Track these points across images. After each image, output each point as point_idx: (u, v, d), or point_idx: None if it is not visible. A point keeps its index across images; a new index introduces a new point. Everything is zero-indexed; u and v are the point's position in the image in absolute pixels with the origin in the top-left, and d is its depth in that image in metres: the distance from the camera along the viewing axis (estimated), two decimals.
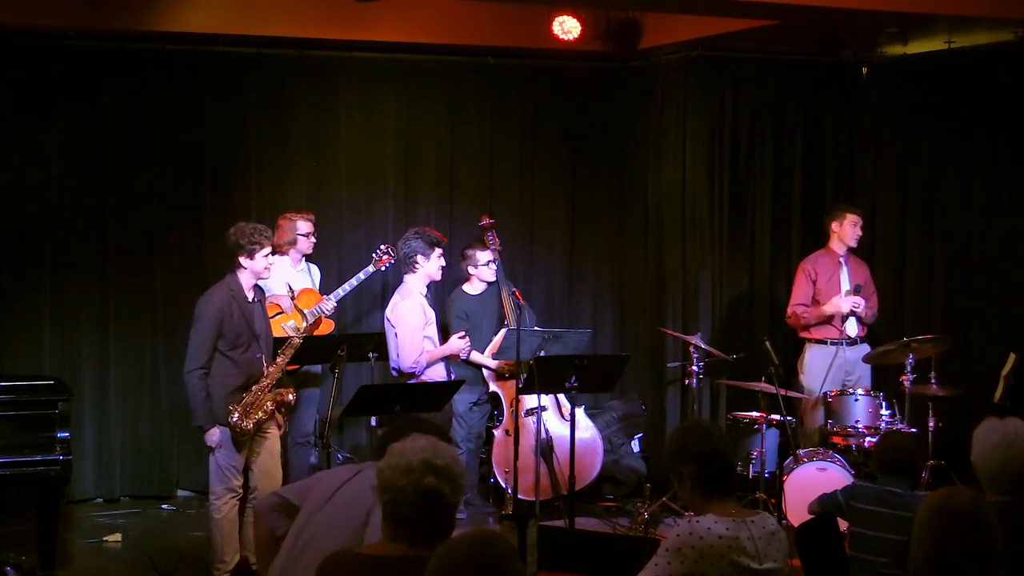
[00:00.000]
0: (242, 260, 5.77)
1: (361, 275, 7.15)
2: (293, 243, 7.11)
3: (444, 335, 7.22)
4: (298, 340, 5.94)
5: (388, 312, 6.99)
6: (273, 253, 5.94)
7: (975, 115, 8.01)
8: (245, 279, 5.81)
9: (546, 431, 7.00)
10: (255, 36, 7.69)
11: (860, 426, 6.87)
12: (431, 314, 7.06)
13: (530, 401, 6.93)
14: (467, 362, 7.25)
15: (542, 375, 6.20)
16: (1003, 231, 7.92)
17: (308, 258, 7.31)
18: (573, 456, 6.40)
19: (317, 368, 7.11)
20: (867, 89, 8.39)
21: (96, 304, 7.76)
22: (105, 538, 6.80)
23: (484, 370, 7.33)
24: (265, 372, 5.79)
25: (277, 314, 6.66)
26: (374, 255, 7.24)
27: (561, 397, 7.21)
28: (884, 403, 6.88)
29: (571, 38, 7.61)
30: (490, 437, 7.47)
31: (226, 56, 7.82)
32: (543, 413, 6.87)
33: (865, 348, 7.37)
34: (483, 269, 7.43)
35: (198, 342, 5.70)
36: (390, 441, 3.15)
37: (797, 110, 8.37)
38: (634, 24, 7.76)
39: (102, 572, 6.36)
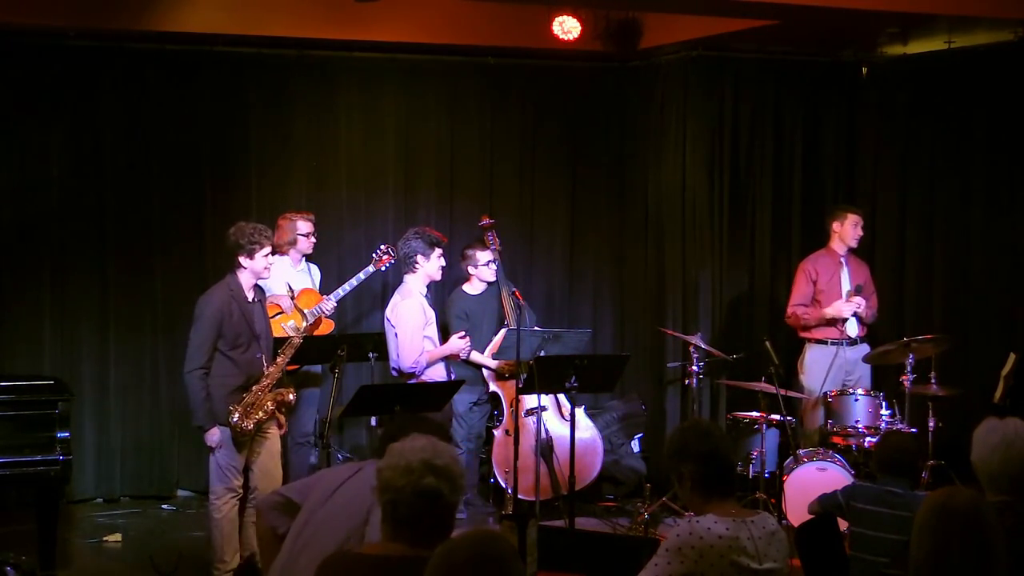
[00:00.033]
0: (242, 260, 5.77)
1: (361, 275, 7.15)
2: (293, 243, 7.11)
3: (444, 335, 7.22)
4: (298, 340, 5.94)
5: (388, 312, 6.99)
6: (273, 253, 5.94)
7: (975, 115, 8.01)
8: (245, 279, 5.80)
9: (546, 431, 6.99)
10: (255, 36, 7.69)
11: (860, 426, 6.87)
12: (431, 314, 7.06)
13: (530, 401, 6.93)
14: (467, 362, 7.25)
15: (542, 375, 6.20)
16: (1003, 231, 7.92)
17: (308, 258, 7.31)
18: (573, 456, 6.40)
19: (317, 368, 7.11)
20: (867, 89, 8.39)
21: (96, 304, 7.76)
22: (105, 538, 6.80)
23: (484, 370, 7.33)
24: (265, 372, 5.79)
25: (277, 314, 6.66)
26: (374, 255, 7.24)
27: (561, 397, 7.21)
28: (884, 403, 6.88)
29: (571, 38, 7.61)
30: (490, 437, 7.47)
31: (226, 56, 7.82)
32: (543, 413, 6.87)
33: (865, 348, 7.37)
34: (483, 269, 7.43)
35: (198, 342, 5.70)
36: (392, 438, 3.15)
37: (797, 110, 8.37)
38: (634, 24, 7.75)
39: (102, 572, 6.36)
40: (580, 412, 7.13)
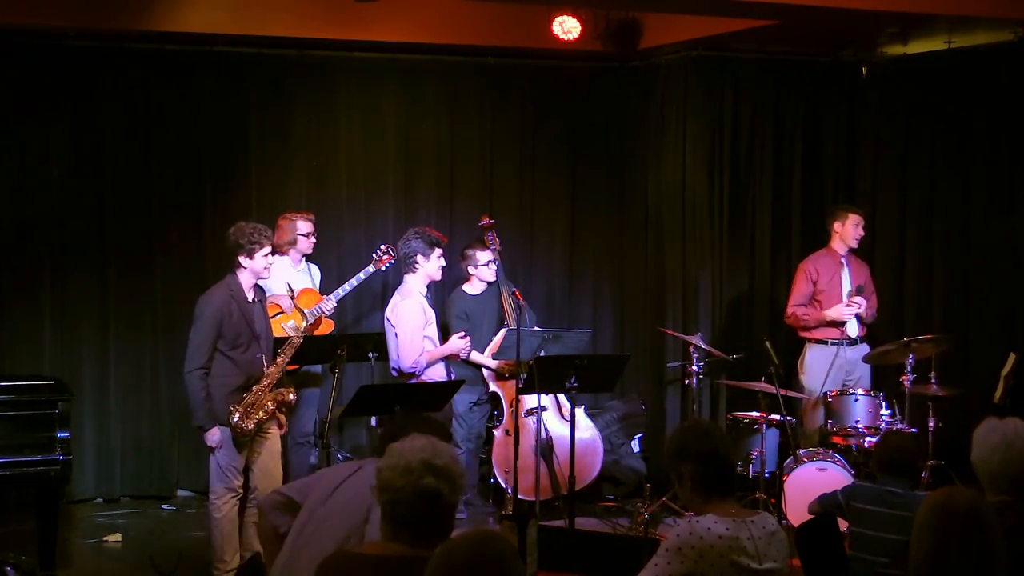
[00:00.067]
0: (242, 260, 5.77)
1: (361, 275, 7.15)
2: (293, 243, 7.11)
3: (444, 335, 7.22)
4: (298, 340, 5.94)
5: (388, 312, 6.99)
6: (273, 253, 5.94)
7: (975, 115, 8.01)
8: (245, 279, 5.80)
9: (546, 431, 6.99)
10: (255, 36, 7.69)
11: (860, 426, 6.87)
12: (431, 314, 7.06)
13: (530, 401, 6.93)
14: (467, 362, 7.25)
15: (542, 375, 6.20)
16: (1003, 231, 7.92)
17: (308, 258, 7.31)
18: (573, 456, 6.40)
19: (317, 368, 7.11)
20: (867, 89, 8.39)
21: (96, 304, 7.76)
22: (105, 538, 6.80)
23: (484, 370, 7.33)
24: (265, 372, 5.79)
25: (277, 314, 6.66)
26: (374, 255, 7.24)
27: (561, 397, 7.21)
28: (884, 403, 6.88)
29: (571, 38, 7.61)
30: (490, 437, 7.47)
31: (226, 56, 7.82)
32: (543, 413, 6.87)
33: (865, 348, 7.37)
34: (483, 269, 7.43)
35: (198, 342, 5.70)
36: (392, 438, 3.16)
37: (797, 110, 8.37)
38: (634, 24, 7.75)
39: (102, 572, 6.36)
40: (580, 412, 7.13)
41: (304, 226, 7.14)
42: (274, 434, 5.89)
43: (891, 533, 4.50)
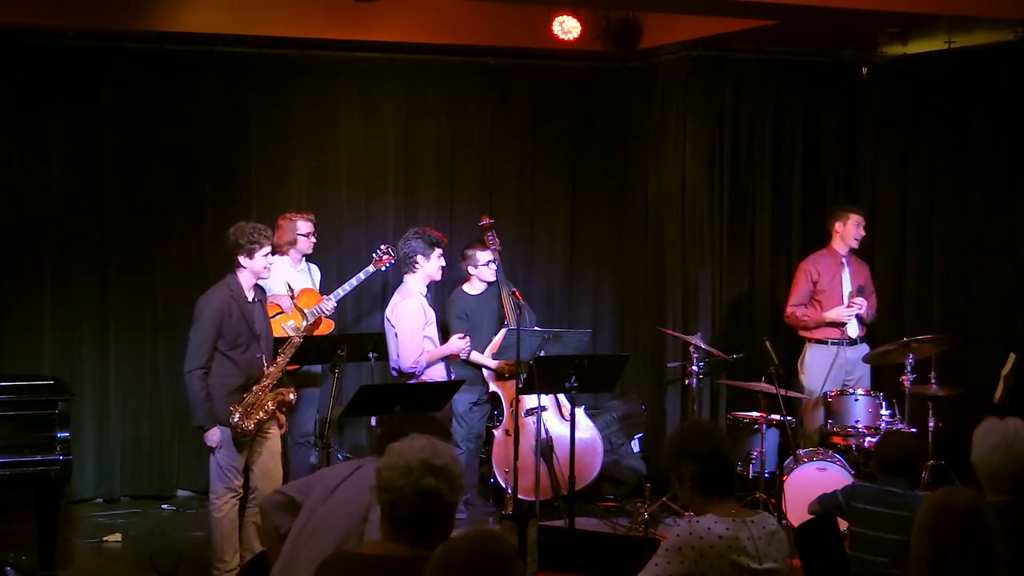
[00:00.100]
0: (241, 260, 5.77)
1: (361, 275, 7.15)
2: (293, 243, 7.11)
3: (444, 335, 7.22)
4: (298, 340, 5.94)
5: (388, 312, 6.99)
6: (273, 253, 5.94)
7: (975, 115, 8.01)
8: (245, 279, 5.80)
9: (546, 431, 6.99)
10: (255, 36, 7.69)
11: (860, 426, 6.87)
12: (431, 314, 7.06)
13: (530, 401, 6.93)
14: (467, 362, 7.25)
15: (542, 375, 6.20)
16: (1003, 231, 7.92)
17: (308, 258, 7.31)
18: (573, 456, 6.40)
19: (317, 368, 7.11)
20: (867, 89, 8.39)
21: (96, 304, 7.76)
22: (105, 538, 6.80)
23: (484, 370, 7.33)
24: (265, 372, 5.79)
25: (277, 314, 6.66)
26: (374, 255, 7.24)
27: (561, 397, 7.21)
28: (884, 403, 6.88)
29: (571, 38, 7.61)
30: (490, 437, 7.47)
31: (226, 56, 7.82)
32: (543, 413, 6.87)
33: (865, 348, 7.37)
34: (483, 269, 7.43)
35: (198, 342, 5.70)
36: (391, 436, 3.15)
37: (797, 110, 8.37)
38: (634, 24, 7.75)
39: (102, 572, 6.36)
40: (580, 412, 7.13)
41: (304, 226, 7.14)
42: (274, 434, 5.89)
43: (891, 533, 4.50)
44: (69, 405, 5.84)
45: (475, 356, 7.25)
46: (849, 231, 7.42)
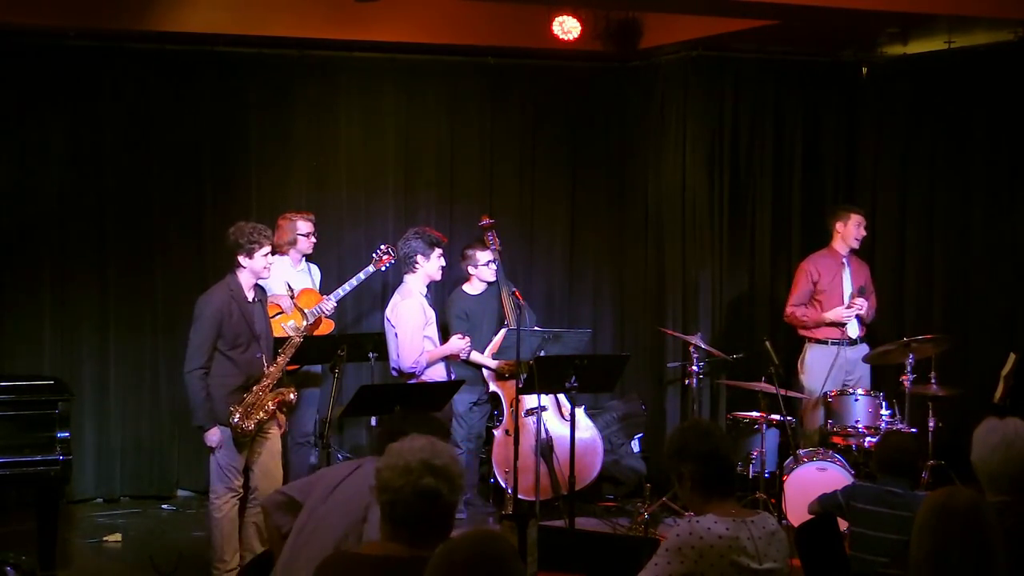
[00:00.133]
0: (241, 259, 5.77)
1: (361, 275, 7.15)
2: (293, 243, 7.11)
3: (444, 335, 7.22)
4: (298, 340, 5.94)
5: (388, 312, 6.99)
6: (273, 253, 5.94)
7: (975, 115, 8.01)
8: (245, 279, 5.80)
9: (546, 431, 6.99)
10: (255, 36, 7.69)
11: (860, 426, 6.87)
12: (431, 314, 7.06)
13: (530, 401, 6.93)
14: (467, 362, 7.25)
15: (542, 375, 6.20)
16: (1003, 231, 7.92)
17: (308, 258, 7.31)
18: (573, 456, 6.40)
19: (317, 368, 7.11)
20: (867, 89, 8.39)
21: (96, 304, 7.76)
22: (105, 538, 6.80)
23: (484, 370, 7.33)
24: (265, 372, 5.79)
25: (277, 314, 6.66)
26: (374, 255, 7.24)
27: (561, 397, 7.21)
28: (884, 403, 6.88)
29: (571, 38, 7.61)
30: (490, 437, 7.47)
31: (226, 56, 7.82)
32: (543, 413, 6.87)
33: (865, 348, 7.37)
34: (483, 269, 7.43)
35: (198, 342, 5.70)
36: (390, 435, 3.15)
37: (797, 110, 8.37)
38: (634, 24, 7.75)
39: (102, 572, 6.36)
40: (580, 412, 7.13)
41: (304, 226, 7.14)
42: (274, 434, 5.89)
43: (891, 533, 4.50)
44: (69, 405, 5.84)
45: (475, 356, 7.25)
46: (850, 231, 7.42)
